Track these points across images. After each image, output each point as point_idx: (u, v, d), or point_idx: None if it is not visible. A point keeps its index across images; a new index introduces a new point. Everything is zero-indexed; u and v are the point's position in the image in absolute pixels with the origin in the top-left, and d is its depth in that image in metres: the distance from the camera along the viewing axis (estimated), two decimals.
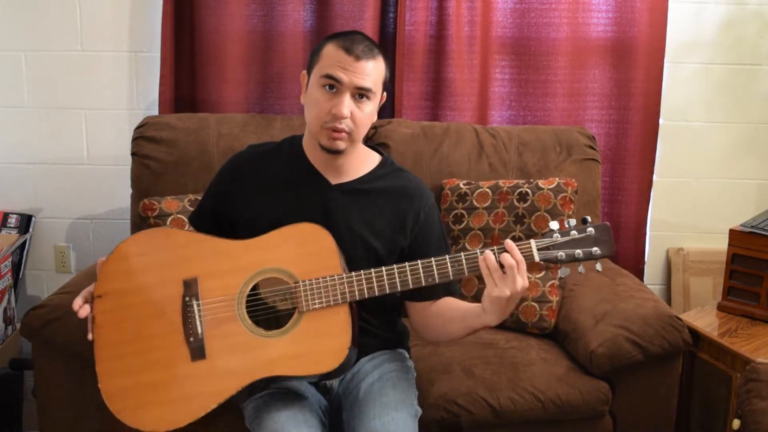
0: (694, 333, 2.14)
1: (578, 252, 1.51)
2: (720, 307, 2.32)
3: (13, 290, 2.60)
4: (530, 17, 2.57)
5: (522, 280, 1.47)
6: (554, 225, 1.53)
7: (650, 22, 2.55)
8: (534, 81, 2.60)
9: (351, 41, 1.58)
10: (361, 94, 1.58)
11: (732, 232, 2.28)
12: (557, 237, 1.51)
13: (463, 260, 1.51)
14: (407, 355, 1.81)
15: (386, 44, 2.57)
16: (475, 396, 1.84)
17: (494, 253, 1.48)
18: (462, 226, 2.24)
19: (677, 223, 2.78)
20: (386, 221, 1.69)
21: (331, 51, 1.58)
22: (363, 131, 1.63)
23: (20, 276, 2.70)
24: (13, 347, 2.55)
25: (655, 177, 2.69)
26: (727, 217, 2.64)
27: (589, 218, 1.54)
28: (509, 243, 1.49)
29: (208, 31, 2.52)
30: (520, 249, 1.49)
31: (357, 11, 2.51)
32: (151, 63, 2.61)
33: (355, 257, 1.64)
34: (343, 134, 1.59)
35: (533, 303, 2.13)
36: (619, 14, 2.56)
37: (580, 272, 1.54)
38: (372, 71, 1.58)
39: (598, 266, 1.52)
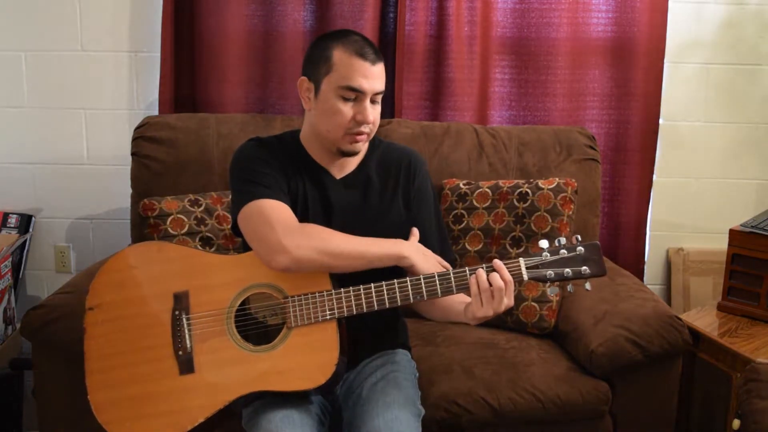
0: (694, 333, 2.14)
1: (567, 271, 1.52)
2: (720, 307, 2.32)
3: (13, 290, 2.60)
4: (530, 17, 2.57)
5: (507, 301, 1.49)
6: (544, 243, 1.53)
7: (650, 22, 2.55)
8: (534, 81, 2.60)
9: (359, 45, 1.59)
10: (375, 96, 1.61)
11: (732, 232, 2.28)
12: (546, 256, 1.52)
13: (452, 278, 1.52)
14: (410, 356, 1.81)
15: (386, 44, 2.57)
16: (475, 396, 1.84)
17: (485, 272, 1.49)
18: (462, 226, 2.24)
19: (677, 223, 2.78)
20: (392, 200, 1.71)
21: (344, 59, 1.58)
22: (376, 130, 1.67)
23: (20, 276, 2.70)
24: (13, 347, 2.55)
25: (655, 177, 2.69)
26: (727, 217, 2.64)
27: (579, 237, 1.55)
28: (498, 263, 1.50)
29: (208, 31, 2.52)
30: (509, 267, 1.50)
31: (357, 11, 2.51)
32: (151, 63, 2.61)
33: None
34: (365, 136, 1.63)
35: (533, 303, 2.13)
36: (619, 14, 2.56)
37: (569, 291, 1.55)
38: (382, 72, 1.62)
39: (587, 285, 1.53)
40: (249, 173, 1.62)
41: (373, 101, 1.61)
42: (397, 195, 1.72)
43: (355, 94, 1.58)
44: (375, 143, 1.77)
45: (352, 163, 1.72)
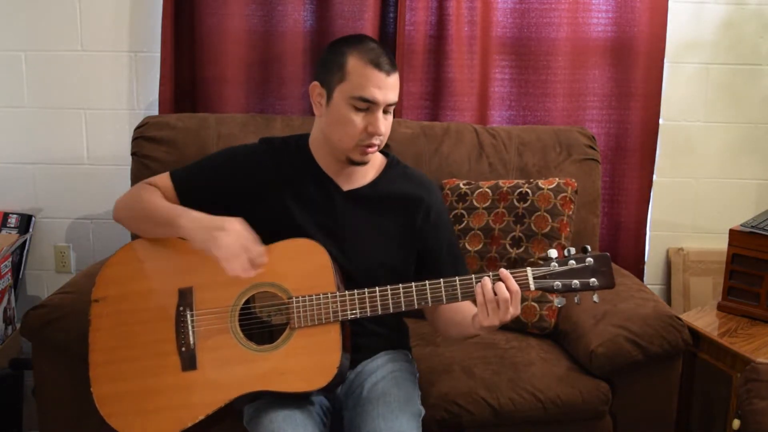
0: (694, 333, 2.14)
1: (575, 282, 1.49)
2: (720, 307, 2.32)
3: (13, 290, 2.60)
4: (530, 17, 2.57)
5: (514, 310, 1.46)
6: (553, 253, 1.51)
7: (650, 22, 2.55)
8: (534, 81, 2.59)
9: (375, 54, 1.55)
10: (388, 107, 1.59)
11: (732, 232, 2.28)
12: (555, 266, 1.50)
13: (458, 285, 1.50)
14: (410, 356, 1.81)
15: (386, 44, 2.56)
16: (475, 396, 1.84)
17: (491, 281, 1.46)
18: (462, 226, 2.24)
19: (677, 223, 2.78)
20: (400, 227, 1.68)
21: (358, 68, 1.54)
22: (386, 140, 1.65)
23: (20, 276, 2.70)
24: (13, 347, 2.55)
25: (655, 177, 2.69)
26: (727, 217, 2.65)
27: (589, 247, 1.52)
28: (504, 272, 1.47)
29: (208, 31, 2.52)
30: (516, 277, 1.48)
31: (357, 11, 2.51)
32: (151, 63, 2.61)
33: (372, 267, 1.64)
34: (375, 148, 1.60)
35: (533, 303, 2.13)
36: (619, 14, 2.56)
37: (576, 303, 1.53)
38: (397, 83, 1.59)
39: (595, 298, 1.50)
40: (207, 158, 1.74)
41: (385, 111, 1.58)
42: (404, 226, 1.69)
43: (368, 105, 1.55)
44: (392, 163, 1.74)
45: (362, 177, 1.69)
